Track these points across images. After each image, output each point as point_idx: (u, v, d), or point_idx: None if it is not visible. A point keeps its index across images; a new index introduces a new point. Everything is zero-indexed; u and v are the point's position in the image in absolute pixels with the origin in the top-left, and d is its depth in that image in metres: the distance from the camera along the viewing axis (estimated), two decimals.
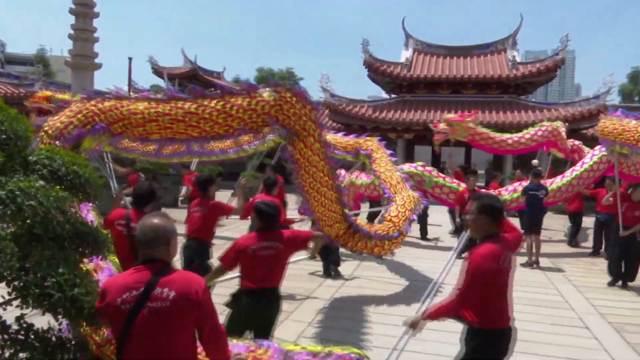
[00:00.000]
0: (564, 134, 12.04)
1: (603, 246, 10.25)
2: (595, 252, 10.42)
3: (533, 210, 9.56)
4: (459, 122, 11.90)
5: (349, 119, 23.51)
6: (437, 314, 3.25)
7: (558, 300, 7.06)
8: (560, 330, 5.76)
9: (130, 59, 19.63)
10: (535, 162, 13.45)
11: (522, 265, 9.10)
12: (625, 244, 7.92)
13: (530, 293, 7.32)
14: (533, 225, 9.42)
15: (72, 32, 15.10)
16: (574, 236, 11.72)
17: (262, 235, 3.80)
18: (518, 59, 25.05)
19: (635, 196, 8.27)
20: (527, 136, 12.11)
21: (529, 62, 25.45)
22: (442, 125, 12.14)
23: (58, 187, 2.48)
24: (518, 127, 21.52)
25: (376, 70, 24.89)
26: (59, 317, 2.39)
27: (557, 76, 27.29)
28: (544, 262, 9.35)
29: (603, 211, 9.88)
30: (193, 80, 40.93)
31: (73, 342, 2.55)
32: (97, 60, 15.59)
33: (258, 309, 3.73)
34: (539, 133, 12.06)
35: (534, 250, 9.28)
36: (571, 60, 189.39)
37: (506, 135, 12.38)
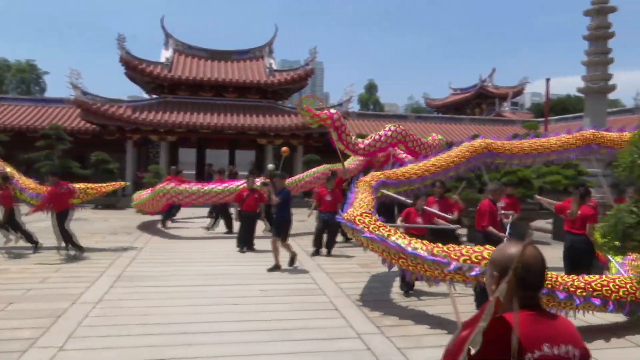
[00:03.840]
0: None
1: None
2: (315, 252, 10.48)
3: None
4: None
5: (105, 119, 21.78)
6: None
7: (313, 287, 7.77)
8: (315, 314, 6.35)
9: None
10: (271, 166, 14.89)
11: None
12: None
13: (287, 284, 7.90)
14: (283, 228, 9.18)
15: None
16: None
17: None
18: (275, 67, 26.74)
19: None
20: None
21: (284, 70, 27.42)
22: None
23: None
24: (276, 130, 23.08)
25: (134, 69, 23.60)
26: None
27: (309, 84, 30.04)
28: (302, 256, 10.18)
29: (326, 210, 10.42)
30: None
31: None
32: None
33: None
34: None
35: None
36: (320, 71, 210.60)
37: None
